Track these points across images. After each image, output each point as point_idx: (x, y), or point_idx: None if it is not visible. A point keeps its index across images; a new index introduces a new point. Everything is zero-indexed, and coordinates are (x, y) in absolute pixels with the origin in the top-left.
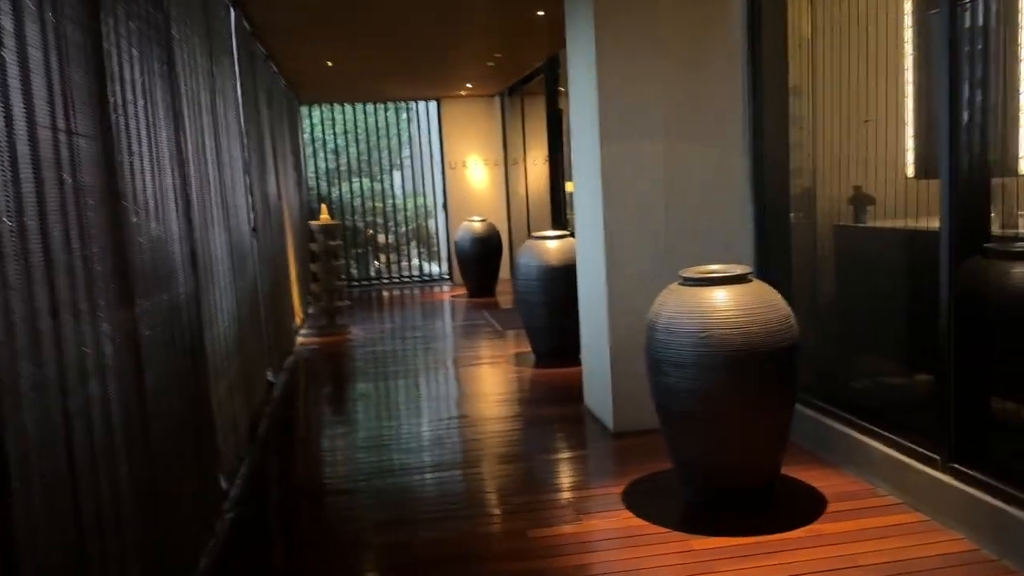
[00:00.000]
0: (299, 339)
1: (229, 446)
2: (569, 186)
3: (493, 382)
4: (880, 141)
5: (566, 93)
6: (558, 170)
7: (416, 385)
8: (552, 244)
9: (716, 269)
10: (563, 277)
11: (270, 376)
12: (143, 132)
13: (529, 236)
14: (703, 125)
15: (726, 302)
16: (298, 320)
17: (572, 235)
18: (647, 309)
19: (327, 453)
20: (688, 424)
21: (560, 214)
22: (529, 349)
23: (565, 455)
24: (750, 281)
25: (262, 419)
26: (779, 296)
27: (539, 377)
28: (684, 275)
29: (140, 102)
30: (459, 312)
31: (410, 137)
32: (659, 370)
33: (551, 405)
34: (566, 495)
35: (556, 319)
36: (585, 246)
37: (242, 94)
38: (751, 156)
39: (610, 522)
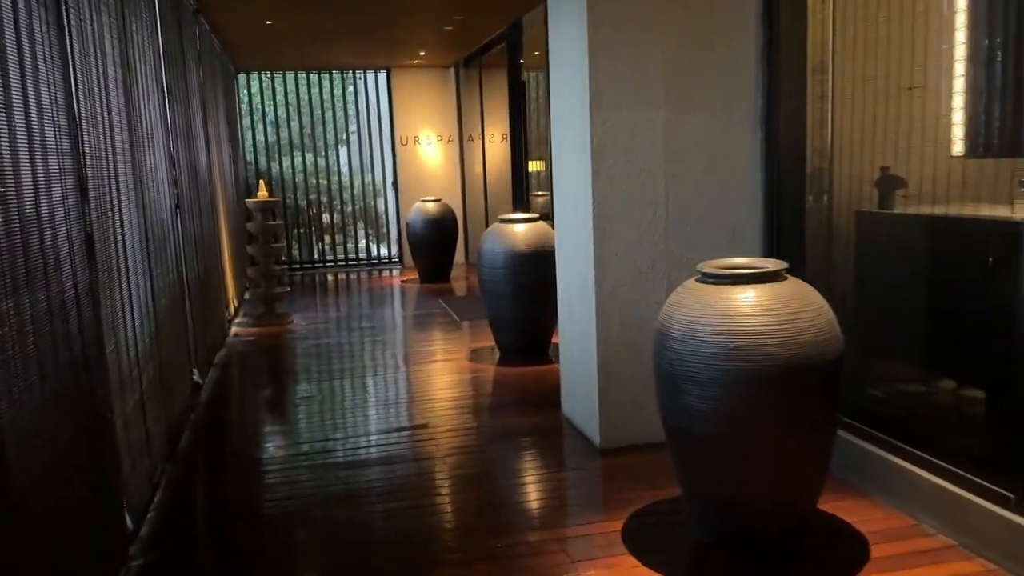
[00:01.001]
0: (234, 329)
1: (140, 473)
2: (533, 165)
3: (453, 383)
4: (920, 113)
5: (546, 63)
6: (520, 148)
7: (365, 387)
8: (520, 228)
9: (742, 263)
10: (533, 264)
11: (196, 376)
12: (8, 74)
13: (494, 219)
14: (710, 91)
15: (758, 305)
16: (232, 308)
17: (542, 218)
18: (642, 303)
19: (263, 472)
20: (708, 450)
21: (522, 195)
22: (492, 343)
23: (545, 478)
24: (785, 279)
25: (185, 429)
26: (820, 297)
27: (506, 377)
28: (704, 270)
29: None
30: (411, 299)
31: (357, 110)
32: (673, 386)
33: (522, 413)
34: (553, 533)
35: (525, 311)
36: (567, 230)
37: (164, 51)
38: (763, 129)
39: (614, 574)
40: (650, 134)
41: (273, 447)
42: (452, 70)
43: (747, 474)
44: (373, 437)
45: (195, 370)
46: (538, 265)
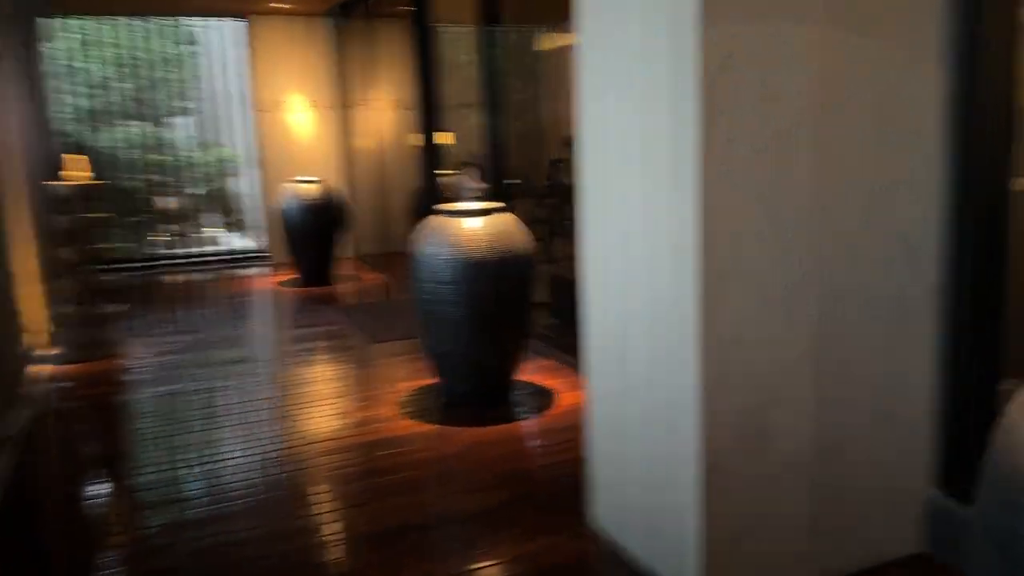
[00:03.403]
0: (41, 369)
1: None
2: (442, 137)
3: (386, 466)
4: None
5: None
6: (430, 117)
7: (245, 487)
8: (475, 224)
9: None
10: (493, 276)
11: None
12: None
13: (433, 209)
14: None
15: None
16: (40, 340)
17: (504, 208)
18: (779, 358)
19: None
20: None
21: (430, 174)
22: (430, 382)
23: None
24: None
25: None
26: None
27: (470, 448)
28: None
29: None
30: (291, 310)
31: (207, 68)
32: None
33: (515, 527)
34: None
35: (484, 343)
36: (617, 233)
37: None
38: (958, 70)
39: None
40: (795, 71)
41: None
42: (328, 20)
43: None
44: None
45: None
46: (503, 277)
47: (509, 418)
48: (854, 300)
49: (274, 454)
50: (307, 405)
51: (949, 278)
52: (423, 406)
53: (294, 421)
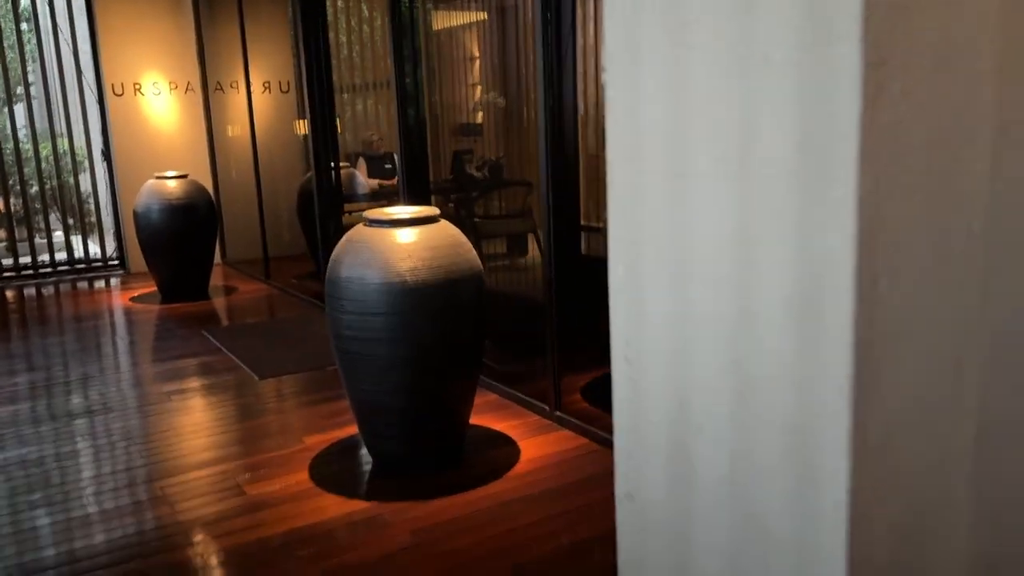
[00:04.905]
0: None
1: None
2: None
3: None
4: None
5: None
6: (322, 101)
7: None
8: (408, 237)
9: None
10: (439, 305)
11: None
12: None
13: (343, 213)
14: None
15: None
16: None
17: (438, 215)
18: (941, 458)
19: None
20: None
21: (328, 171)
22: (351, 437)
23: None
24: None
25: None
26: None
27: (420, 540)
28: None
29: None
30: (153, 335)
31: (40, 44)
32: None
33: None
34: None
35: (424, 390)
36: (666, 268)
37: None
38: None
39: None
40: (978, 10)
41: None
42: None
43: None
44: None
45: None
46: (450, 305)
47: (464, 485)
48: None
49: (132, 565)
50: (180, 477)
51: None
52: (344, 473)
53: (162, 506)
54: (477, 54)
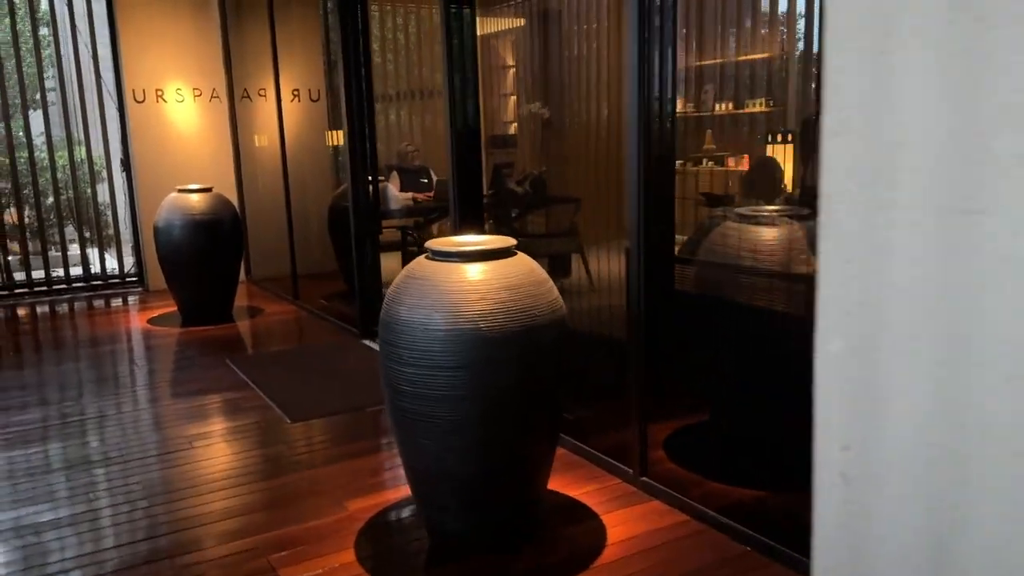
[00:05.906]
0: None
1: None
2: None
3: None
4: None
5: None
6: (361, 111)
7: None
8: (479, 271)
9: None
10: (516, 357)
11: None
12: None
13: (423, 246)
14: None
15: None
16: None
17: (514, 249)
18: None
19: None
20: None
21: (365, 186)
22: (399, 495)
23: None
24: None
25: None
26: None
27: None
28: None
29: None
30: (170, 363)
31: (58, 48)
32: None
33: None
34: None
35: (496, 456)
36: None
37: None
38: None
39: None
40: None
41: None
42: None
43: None
44: None
45: None
46: (528, 356)
47: (542, 572)
48: None
49: None
50: (204, 552)
51: None
52: (395, 553)
53: None
54: (512, 62)
